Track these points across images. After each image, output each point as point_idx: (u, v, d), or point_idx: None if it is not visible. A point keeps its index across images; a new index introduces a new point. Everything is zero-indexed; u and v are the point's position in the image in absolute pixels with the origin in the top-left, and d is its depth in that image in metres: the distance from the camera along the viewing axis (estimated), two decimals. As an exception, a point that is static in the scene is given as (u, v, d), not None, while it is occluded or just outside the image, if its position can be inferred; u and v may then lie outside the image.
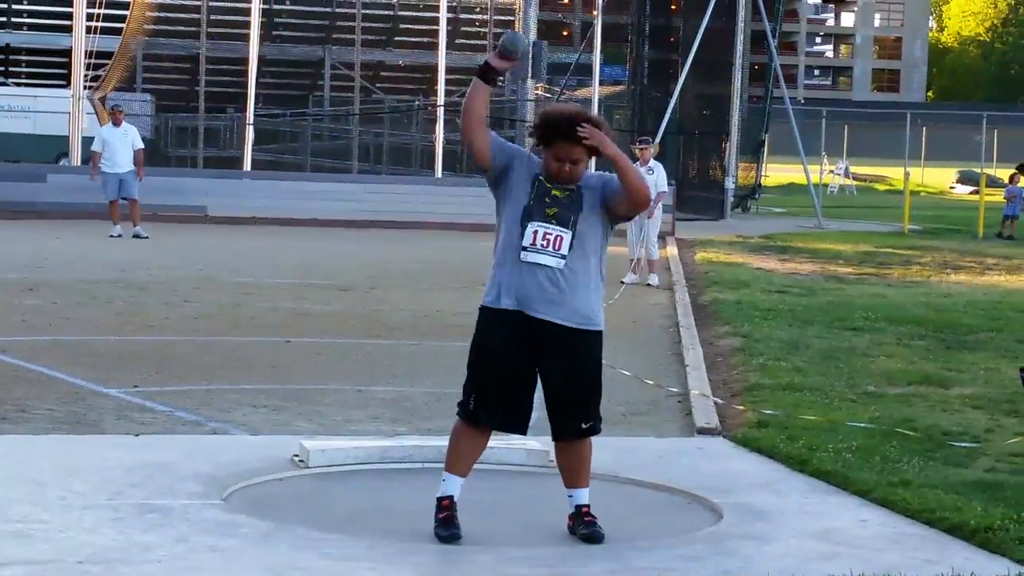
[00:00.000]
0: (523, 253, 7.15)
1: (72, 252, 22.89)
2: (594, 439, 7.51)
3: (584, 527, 7.34)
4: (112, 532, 7.11)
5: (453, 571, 6.60)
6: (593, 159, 7.40)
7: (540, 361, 7.26)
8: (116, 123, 26.80)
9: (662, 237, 27.95)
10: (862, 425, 10.22)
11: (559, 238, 7.13)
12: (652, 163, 21.39)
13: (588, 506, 7.42)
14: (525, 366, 7.25)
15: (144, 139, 28.74)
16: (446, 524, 7.25)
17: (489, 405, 7.28)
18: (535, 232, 7.13)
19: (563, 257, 7.13)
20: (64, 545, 6.86)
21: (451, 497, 7.34)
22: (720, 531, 7.62)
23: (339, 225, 30.30)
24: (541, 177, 7.21)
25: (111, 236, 25.61)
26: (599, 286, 7.33)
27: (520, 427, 7.41)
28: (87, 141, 33.27)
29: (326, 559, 6.80)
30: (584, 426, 7.38)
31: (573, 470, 7.50)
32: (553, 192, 7.18)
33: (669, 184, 24.45)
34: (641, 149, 21.76)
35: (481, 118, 7.27)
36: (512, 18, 48.33)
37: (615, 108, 49.12)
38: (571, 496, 7.47)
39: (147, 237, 25.67)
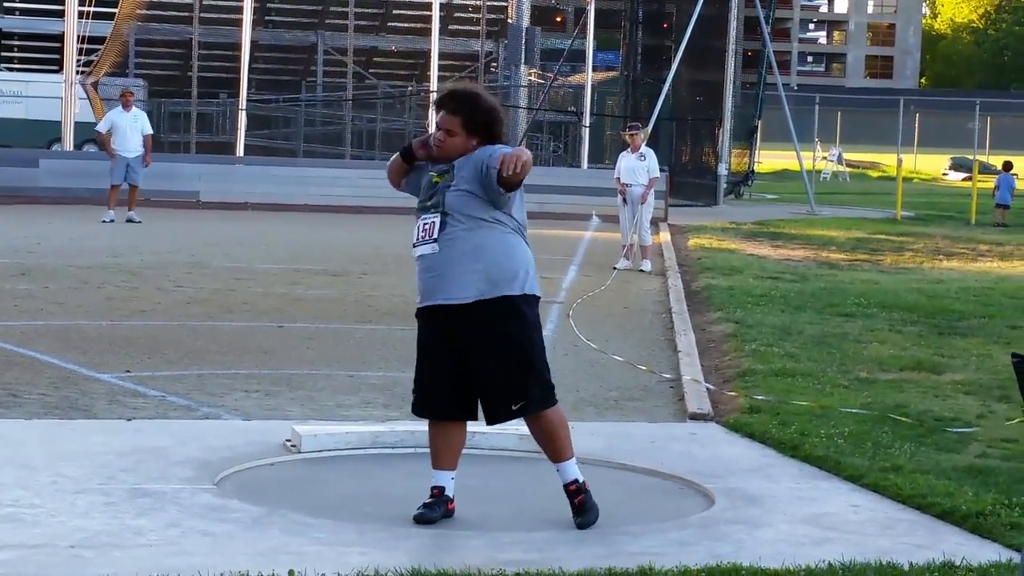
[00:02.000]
0: (413, 250, 7.27)
1: (64, 237, 22.87)
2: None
3: (574, 515, 7.32)
4: (104, 517, 7.11)
5: (445, 556, 6.60)
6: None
7: (463, 351, 7.23)
8: (126, 107, 26.77)
9: (655, 223, 27.94)
10: (854, 411, 10.23)
11: (432, 224, 7.15)
12: (643, 149, 21.39)
13: (575, 483, 7.36)
14: (446, 355, 7.24)
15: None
16: (423, 506, 7.31)
17: (429, 397, 7.34)
18: (418, 227, 7.23)
19: (435, 240, 7.13)
20: (56, 529, 6.86)
21: (441, 488, 7.36)
22: (712, 516, 7.62)
23: (332, 210, 30.29)
24: (433, 173, 7.26)
25: (104, 221, 25.59)
26: (504, 251, 7.18)
27: (465, 413, 7.38)
28: (79, 126, 33.28)
29: (317, 544, 6.80)
30: (514, 407, 7.26)
31: (544, 445, 7.43)
32: (433, 180, 7.23)
33: (662, 170, 24.44)
34: (631, 135, 21.75)
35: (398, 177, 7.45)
36: (505, 3, 48.25)
37: (608, 94, 49.13)
38: (558, 471, 7.43)
39: (140, 222, 25.65)
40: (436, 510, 7.28)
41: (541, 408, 7.29)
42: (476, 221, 7.13)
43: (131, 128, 26.45)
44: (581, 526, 7.26)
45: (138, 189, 26.58)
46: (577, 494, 7.34)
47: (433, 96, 37.37)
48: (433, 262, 7.14)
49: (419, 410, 7.43)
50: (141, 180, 26.55)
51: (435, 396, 7.31)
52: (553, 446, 7.38)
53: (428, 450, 7.50)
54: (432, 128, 7.44)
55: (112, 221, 25.63)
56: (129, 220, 25.74)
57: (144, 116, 27.36)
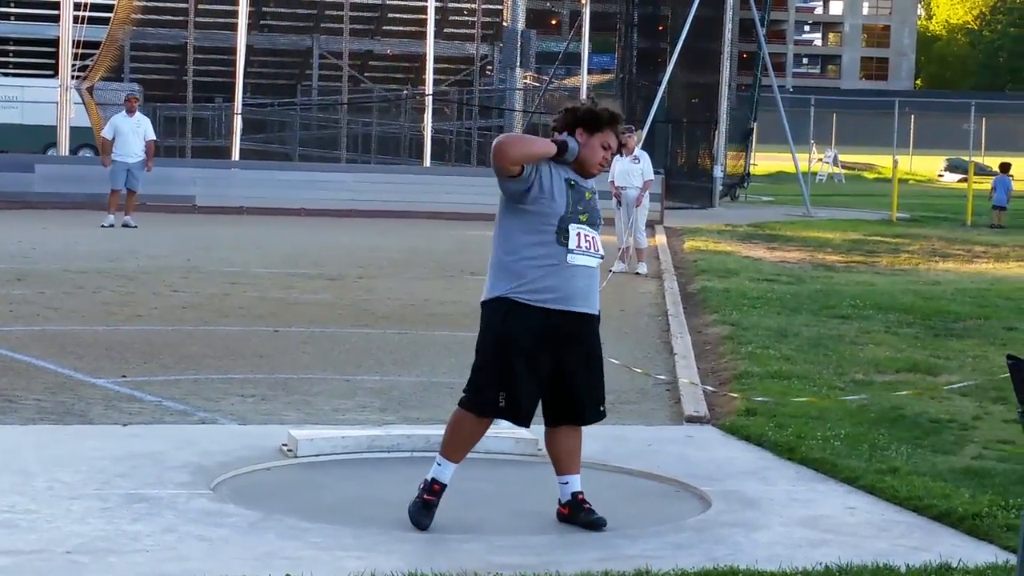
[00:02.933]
0: (570, 256, 7.22)
1: (60, 242, 22.85)
2: (584, 428, 7.54)
3: (586, 514, 7.38)
4: (100, 522, 7.11)
5: (441, 559, 6.60)
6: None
7: (557, 352, 7.28)
8: (130, 112, 26.74)
9: (651, 225, 27.95)
10: (851, 412, 10.23)
11: (595, 239, 7.31)
12: (638, 152, 21.38)
13: (582, 492, 7.47)
14: (545, 357, 7.27)
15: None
16: (427, 508, 7.29)
17: (524, 399, 7.27)
18: (578, 235, 7.24)
19: (602, 256, 7.38)
20: (52, 535, 6.86)
21: (445, 485, 7.35)
22: (708, 519, 7.62)
23: (327, 214, 30.28)
24: (572, 181, 7.31)
25: (103, 225, 25.58)
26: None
27: (528, 420, 7.44)
28: (75, 131, 33.27)
29: (313, 548, 6.79)
30: (601, 408, 7.51)
31: (573, 455, 7.51)
32: (586, 195, 7.34)
33: (657, 173, 24.45)
34: (626, 137, 21.74)
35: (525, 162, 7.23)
36: (500, 6, 48.26)
37: (603, 97, 49.11)
38: (567, 483, 7.47)
39: (136, 227, 25.65)
40: (434, 513, 7.34)
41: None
42: None
43: (134, 133, 26.43)
44: (595, 525, 7.31)
45: (136, 195, 26.56)
46: (586, 501, 7.43)
47: (430, 99, 37.42)
48: (590, 273, 7.30)
49: (510, 414, 7.28)
50: (141, 186, 26.53)
51: (530, 398, 7.31)
52: (579, 454, 7.55)
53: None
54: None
55: (111, 226, 25.63)
56: (125, 225, 25.73)
57: (147, 121, 27.33)
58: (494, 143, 7.17)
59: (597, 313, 7.39)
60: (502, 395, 7.22)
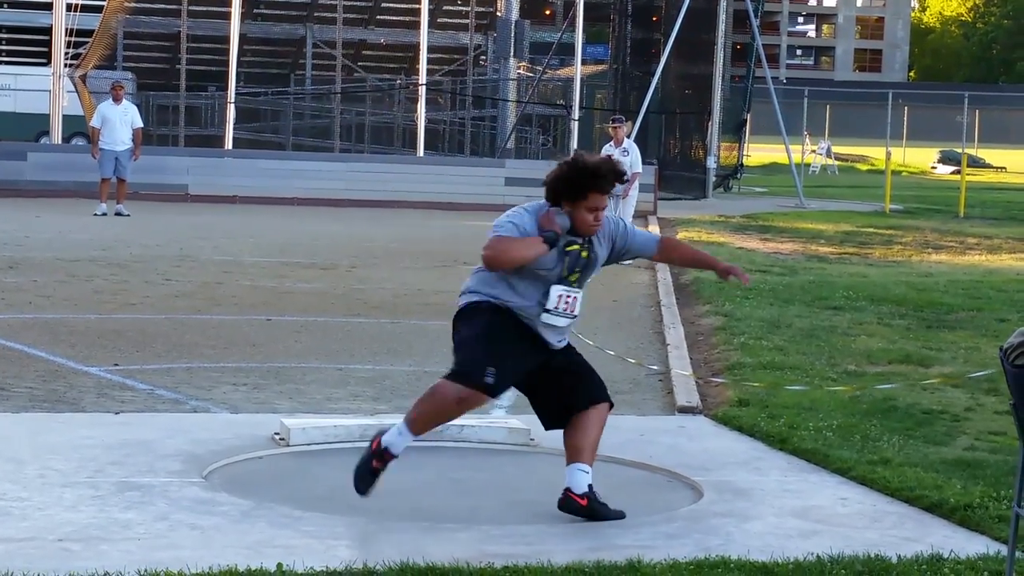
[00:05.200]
0: (544, 315, 7.31)
1: (52, 230, 22.82)
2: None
3: (602, 507, 7.37)
4: (92, 510, 7.11)
5: (433, 548, 6.60)
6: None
7: (542, 354, 7.38)
8: (116, 100, 26.71)
9: (644, 216, 27.99)
10: (843, 402, 10.24)
11: (575, 299, 7.34)
12: (627, 144, 21.39)
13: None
14: (533, 351, 7.35)
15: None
16: (373, 476, 7.29)
17: (507, 375, 7.26)
18: (559, 296, 7.30)
19: (575, 317, 7.38)
20: (43, 523, 6.86)
21: (396, 456, 7.29)
22: (701, 509, 7.63)
23: (320, 204, 30.25)
24: (571, 244, 7.31)
25: (95, 214, 25.56)
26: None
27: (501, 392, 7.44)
28: (67, 119, 33.19)
29: (305, 537, 6.80)
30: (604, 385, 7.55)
31: (595, 441, 7.46)
32: (581, 255, 7.34)
33: (650, 163, 24.43)
34: (614, 127, 21.74)
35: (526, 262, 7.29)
36: (494, -3, 48.24)
37: (597, 87, 49.11)
38: (586, 472, 7.38)
39: (128, 215, 25.63)
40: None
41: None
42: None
43: (120, 121, 26.41)
44: (620, 515, 7.37)
45: (127, 183, 26.54)
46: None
47: (423, 89, 37.39)
48: (561, 330, 7.39)
49: (492, 390, 7.23)
50: (129, 174, 26.52)
51: (511, 376, 7.31)
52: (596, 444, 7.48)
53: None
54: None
55: (104, 214, 25.62)
56: (118, 213, 25.71)
57: (134, 109, 27.32)
58: (484, 255, 7.21)
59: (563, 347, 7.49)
60: (490, 369, 7.17)
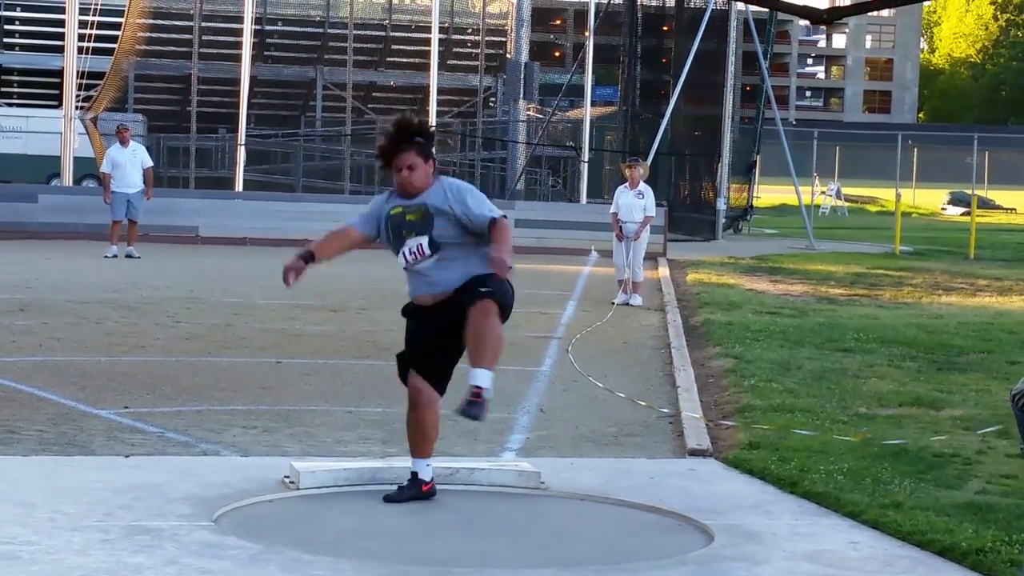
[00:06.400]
0: (406, 273, 8.46)
1: (63, 272, 22.86)
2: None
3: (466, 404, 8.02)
4: (101, 554, 7.09)
5: (443, 593, 6.58)
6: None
7: (442, 325, 8.24)
8: (123, 143, 26.78)
9: (654, 258, 27.99)
10: (853, 445, 10.21)
11: (419, 246, 8.28)
12: (643, 187, 21.35)
13: (480, 388, 7.97)
14: (429, 337, 8.31)
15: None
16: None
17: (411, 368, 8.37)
18: (403, 254, 8.35)
19: (428, 256, 8.27)
20: (53, 567, 6.84)
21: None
22: (711, 553, 7.60)
23: (331, 246, 30.23)
24: (391, 211, 8.39)
25: (106, 256, 25.61)
26: (480, 259, 8.21)
27: (438, 385, 8.37)
28: (79, 161, 33.32)
29: (316, 581, 6.77)
30: (482, 289, 8.12)
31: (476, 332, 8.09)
32: (408, 217, 8.32)
33: (660, 205, 24.43)
34: (630, 167, 21.71)
35: (338, 245, 8.71)
36: (504, 38, 48.38)
37: (607, 129, 49.22)
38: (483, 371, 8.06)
39: (139, 257, 25.68)
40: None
41: (494, 296, 8.13)
42: (461, 237, 8.30)
43: (130, 163, 26.49)
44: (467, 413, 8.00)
45: (138, 225, 26.60)
46: (477, 395, 7.98)
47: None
48: (428, 273, 8.36)
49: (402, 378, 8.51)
50: (142, 215, 26.58)
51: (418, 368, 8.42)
52: (483, 346, 8.07)
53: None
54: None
55: (115, 256, 25.67)
56: (129, 256, 25.76)
57: (143, 149, 27.40)
58: None
59: (452, 288, 8.22)
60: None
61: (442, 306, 8.25)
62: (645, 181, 21.71)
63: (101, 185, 28.08)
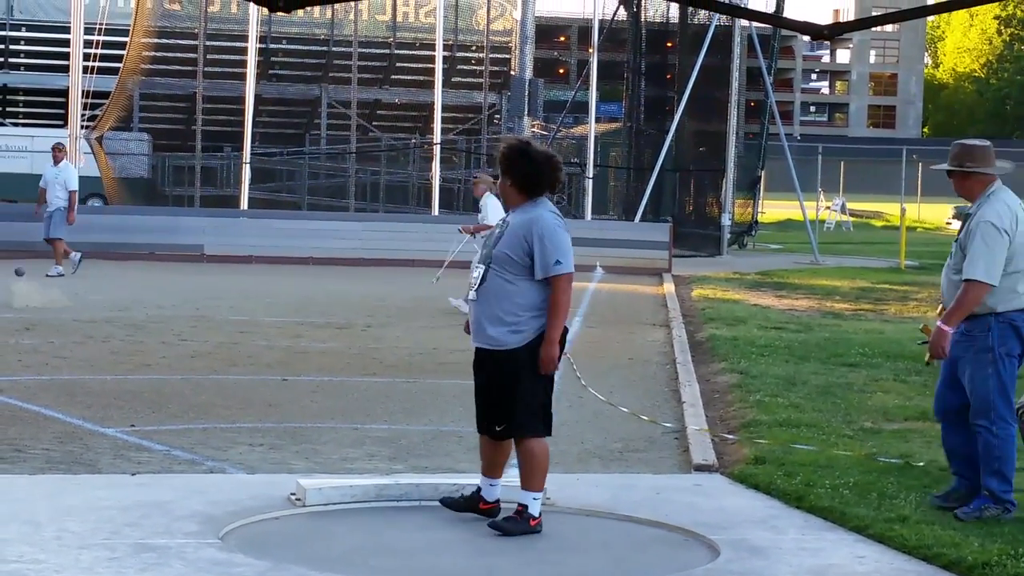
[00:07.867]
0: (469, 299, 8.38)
1: (68, 291, 22.85)
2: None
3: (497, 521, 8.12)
4: (108, 572, 7.10)
5: (450, 609, 6.58)
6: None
7: (480, 386, 8.29)
8: (55, 161, 26.78)
9: (659, 274, 27.99)
10: (859, 460, 10.20)
11: (476, 277, 8.20)
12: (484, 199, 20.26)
13: (523, 507, 8.03)
14: (478, 399, 8.31)
15: (141, 178, 28.71)
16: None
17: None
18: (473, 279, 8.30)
19: (475, 292, 8.15)
20: (60, 585, 6.85)
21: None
22: (717, 568, 7.61)
23: (336, 263, 30.30)
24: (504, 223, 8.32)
25: (48, 275, 24.98)
26: (525, 303, 8.05)
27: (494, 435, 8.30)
28: (84, 180, 33.33)
29: (322, 598, 6.78)
30: (498, 428, 8.16)
31: (496, 466, 8.31)
32: (497, 231, 8.27)
33: (665, 221, 24.40)
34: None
35: None
36: (508, 56, 48.47)
37: (611, 145, 49.24)
38: (494, 486, 8.20)
39: (61, 275, 25.15)
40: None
41: (510, 436, 8.25)
42: (516, 273, 8.15)
43: (54, 182, 26.46)
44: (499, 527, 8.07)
45: (61, 243, 26.18)
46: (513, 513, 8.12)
47: (438, 148, 37.54)
48: (477, 318, 8.33)
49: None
50: (59, 233, 26.11)
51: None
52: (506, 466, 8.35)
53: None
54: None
55: (61, 275, 25.26)
56: (47, 275, 24.98)
57: (69, 169, 26.97)
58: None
59: (488, 347, 8.11)
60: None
61: (484, 361, 8.23)
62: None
63: (107, 203, 27.99)
